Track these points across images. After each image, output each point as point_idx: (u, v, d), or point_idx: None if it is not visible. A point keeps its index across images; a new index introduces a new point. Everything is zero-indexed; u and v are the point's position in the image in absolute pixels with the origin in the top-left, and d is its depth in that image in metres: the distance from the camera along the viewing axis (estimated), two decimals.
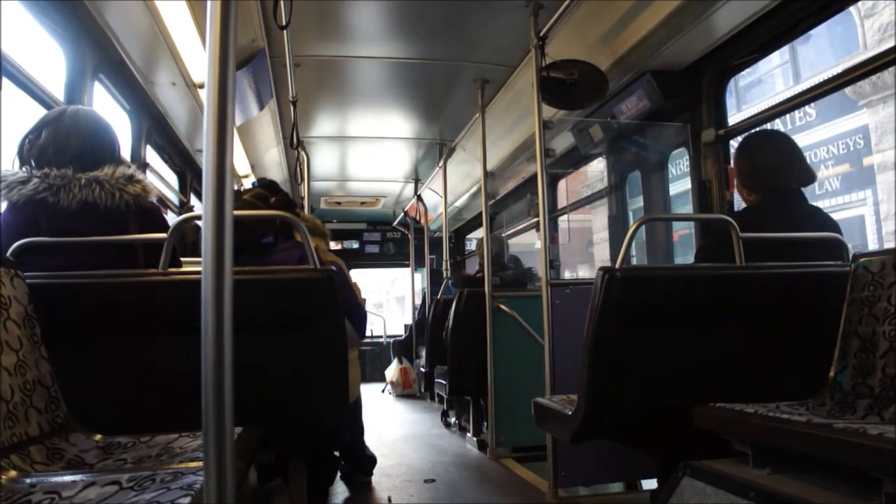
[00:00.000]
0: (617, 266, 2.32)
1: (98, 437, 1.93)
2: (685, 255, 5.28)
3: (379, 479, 4.37)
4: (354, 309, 3.59)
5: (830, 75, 3.28)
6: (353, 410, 4.21)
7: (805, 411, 2.12)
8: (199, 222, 2.68)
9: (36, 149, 2.29)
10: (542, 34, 3.83)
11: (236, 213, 2.82)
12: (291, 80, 4.66)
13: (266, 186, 3.67)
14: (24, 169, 2.23)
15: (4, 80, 2.73)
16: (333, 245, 11.06)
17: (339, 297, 2.23)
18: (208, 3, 1.02)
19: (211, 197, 0.96)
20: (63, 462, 1.77)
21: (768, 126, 3.70)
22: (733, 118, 4.07)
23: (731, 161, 3.04)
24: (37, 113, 2.55)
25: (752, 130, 3.42)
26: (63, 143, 2.31)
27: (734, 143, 3.80)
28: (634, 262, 5.05)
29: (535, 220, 7.04)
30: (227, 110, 0.97)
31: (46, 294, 1.97)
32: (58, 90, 3.24)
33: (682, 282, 2.45)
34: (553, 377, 3.61)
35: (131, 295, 2.11)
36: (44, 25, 3.14)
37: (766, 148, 2.94)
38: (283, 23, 3.32)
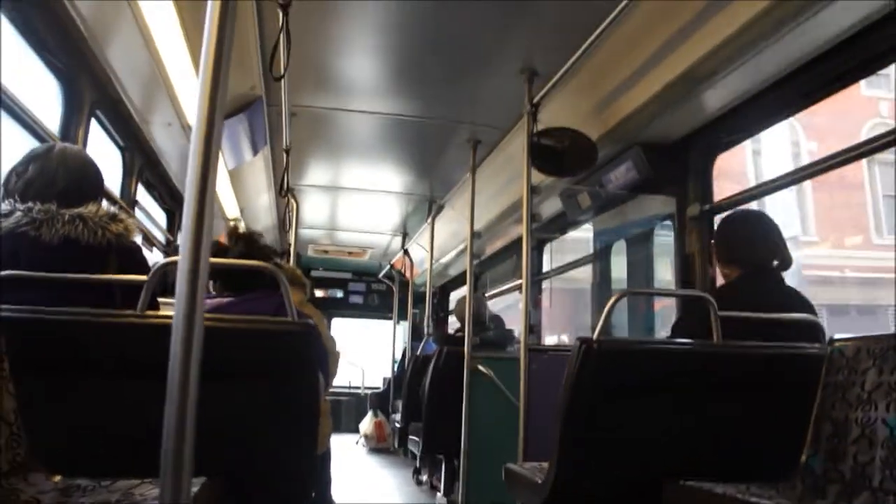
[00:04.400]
0: (595, 337, 2.32)
1: (58, 478, 1.88)
2: (667, 326, 5.29)
3: None
4: (322, 362, 3.54)
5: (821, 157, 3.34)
6: (323, 461, 4.15)
7: (775, 494, 2.10)
8: None
9: (22, 182, 2.29)
10: (535, 101, 3.90)
11: (217, 260, 2.83)
12: (286, 129, 4.70)
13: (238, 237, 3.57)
14: (7, 202, 2.23)
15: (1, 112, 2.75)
16: (318, 293, 11.03)
17: (315, 350, 2.22)
18: (203, 44, 1.04)
19: (189, 244, 0.96)
20: (18, 503, 1.73)
21: (753, 205, 3.76)
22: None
23: (714, 244, 3.08)
24: (28, 146, 2.55)
25: (735, 209, 3.46)
26: (50, 179, 2.32)
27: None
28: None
29: (519, 282, 7.06)
30: (212, 156, 0.98)
31: (18, 328, 1.94)
32: (53, 125, 3.26)
33: (660, 356, 2.45)
34: (526, 443, 3.58)
35: (105, 335, 2.08)
36: (43, 60, 3.17)
37: (745, 226, 3.00)
38: (280, 73, 3.36)
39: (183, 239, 0.99)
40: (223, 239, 3.29)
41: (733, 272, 2.94)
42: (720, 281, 3.34)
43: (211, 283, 3.12)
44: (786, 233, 2.98)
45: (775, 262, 2.88)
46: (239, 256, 3.15)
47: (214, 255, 2.94)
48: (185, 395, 0.96)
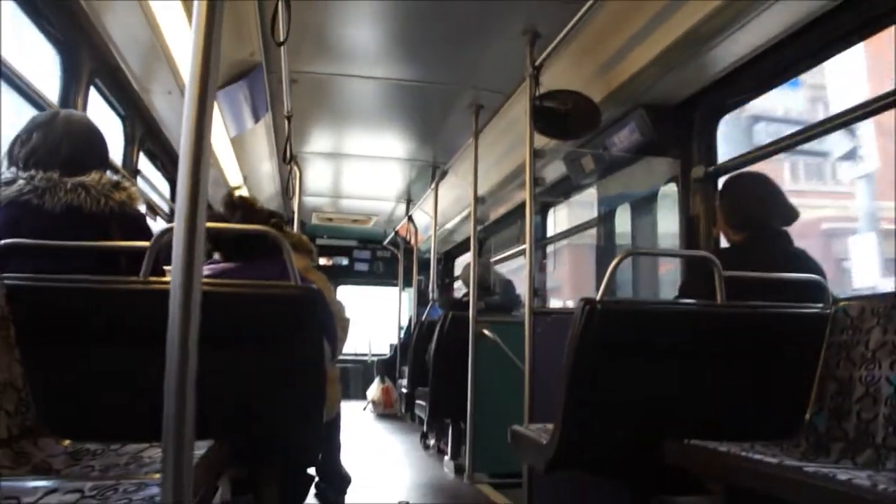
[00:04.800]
0: (598, 297, 2.32)
1: (67, 442, 1.91)
2: (673, 288, 5.29)
3: (353, 498, 4.33)
4: (329, 330, 3.53)
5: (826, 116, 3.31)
6: (332, 428, 4.18)
7: (779, 452, 2.12)
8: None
9: (26, 150, 2.28)
10: (537, 63, 3.87)
11: (217, 225, 2.82)
12: (287, 96, 4.68)
13: (234, 206, 3.50)
14: (11, 170, 2.22)
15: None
16: (323, 261, 11.05)
17: (318, 315, 2.23)
18: (194, 10, 1.03)
19: (184, 210, 0.96)
20: (29, 466, 1.75)
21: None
22: None
23: (718, 205, 3.06)
24: (27, 115, 2.53)
25: (737, 171, 3.43)
26: (54, 147, 2.31)
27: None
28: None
29: (523, 247, 7.07)
30: (206, 121, 0.97)
31: (24, 296, 1.95)
32: (52, 94, 3.24)
33: (663, 316, 2.45)
34: (532, 405, 3.60)
35: (110, 302, 2.09)
36: (40, 29, 3.15)
37: (748, 188, 2.98)
38: (281, 39, 3.33)
39: (178, 203, 0.98)
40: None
41: (739, 236, 2.93)
42: (724, 244, 3.34)
43: (216, 254, 3.11)
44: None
45: (779, 223, 2.87)
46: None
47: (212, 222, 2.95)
48: (184, 360, 0.96)
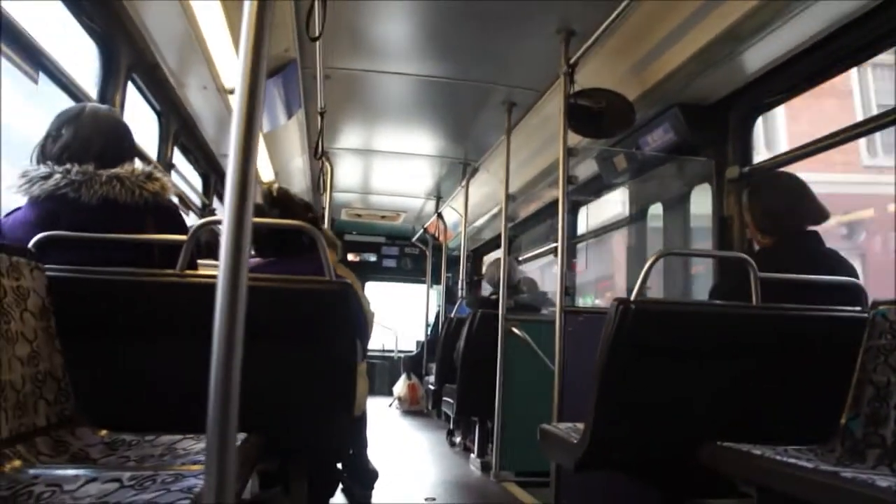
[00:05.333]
0: (632, 298, 2.30)
1: (104, 432, 1.94)
2: (704, 290, 5.24)
3: (379, 494, 4.34)
4: (358, 326, 3.53)
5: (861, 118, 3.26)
6: (359, 424, 4.20)
7: (813, 457, 2.09)
8: (214, 227, 2.70)
9: (59, 146, 2.32)
10: (572, 61, 3.85)
11: (264, 220, 2.85)
12: (320, 92, 4.70)
13: (274, 200, 3.51)
14: (47, 164, 2.26)
15: (41, 74, 2.78)
16: (351, 257, 11.09)
17: (352, 311, 2.24)
18: (245, 8, 1.04)
19: (233, 204, 0.97)
20: (67, 455, 1.78)
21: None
22: None
23: (747, 207, 3.02)
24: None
25: (765, 174, 3.39)
26: (86, 141, 2.33)
27: None
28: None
29: (554, 245, 7.05)
30: (255, 117, 0.98)
31: (65, 288, 1.98)
32: (90, 87, 3.29)
33: (697, 318, 2.43)
34: (561, 404, 3.59)
35: (147, 294, 2.12)
36: (80, 23, 3.19)
37: (776, 190, 2.94)
38: (316, 34, 3.35)
39: (227, 199, 0.99)
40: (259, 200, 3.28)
41: (768, 239, 2.90)
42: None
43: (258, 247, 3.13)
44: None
45: (809, 225, 2.83)
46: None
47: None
48: (230, 354, 0.97)
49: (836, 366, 2.30)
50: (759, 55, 3.55)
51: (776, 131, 7.23)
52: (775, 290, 2.49)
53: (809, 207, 2.84)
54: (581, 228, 6.85)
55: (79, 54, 3.26)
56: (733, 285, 2.67)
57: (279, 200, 3.25)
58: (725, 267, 3.65)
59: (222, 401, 0.95)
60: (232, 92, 4.21)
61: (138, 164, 2.44)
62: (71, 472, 1.46)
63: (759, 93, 3.87)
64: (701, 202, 4.50)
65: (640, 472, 2.60)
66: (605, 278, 8.78)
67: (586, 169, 5.64)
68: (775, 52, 3.51)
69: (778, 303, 2.45)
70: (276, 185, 3.35)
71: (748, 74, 3.79)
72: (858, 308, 2.50)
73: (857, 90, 8.04)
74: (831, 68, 3.45)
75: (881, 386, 2.15)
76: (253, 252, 3.13)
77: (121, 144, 2.45)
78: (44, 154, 2.33)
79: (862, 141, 8.67)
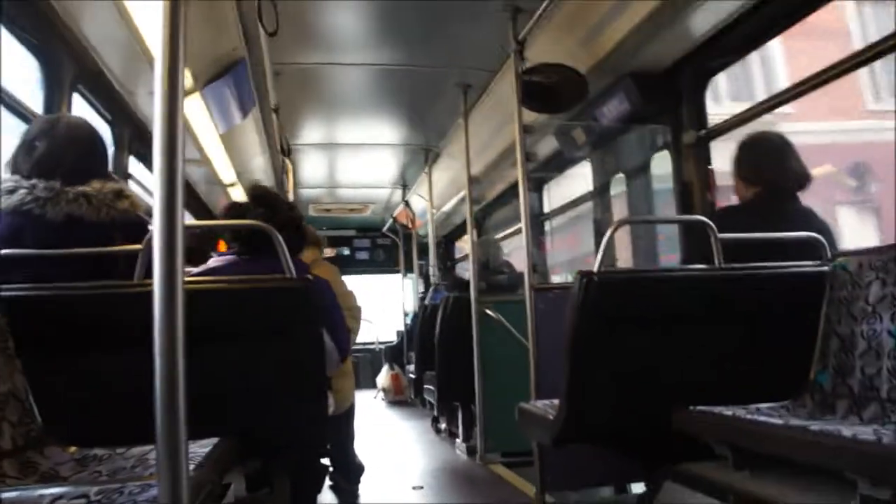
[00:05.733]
0: (595, 269, 2.31)
1: (73, 449, 1.91)
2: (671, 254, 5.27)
3: (368, 486, 4.35)
4: (337, 326, 3.47)
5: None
6: (346, 419, 4.20)
7: (785, 413, 2.12)
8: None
9: (29, 160, 2.28)
10: (520, 38, 3.84)
11: (199, 223, 2.80)
12: (271, 89, 4.66)
13: (259, 199, 3.45)
14: (14, 177, 2.22)
15: None
16: (328, 252, 11.05)
17: (314, 306, 2.22)
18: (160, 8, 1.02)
19: (162, 210, 0.95)
20: (37, 475, 1.75)
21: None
22: None
23: (734, 160, 3.06)
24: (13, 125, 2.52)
25: (756, 131, 3.41)
26: (58, 156, 2.30)
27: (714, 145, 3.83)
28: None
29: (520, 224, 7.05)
30: (177, 119, 0.97)
31: (20, 306, 1.95)
32: (34, 102, 3.22)
33: (661, 284, 2.44)
34: (538, 382, 3.60)
35: (106, 306, 2.09)
36: (16, 36, 3.12)
37: (767, 145, 3.01)
38: (272, 30, 3.30)
39: (156, 205, 0.98)
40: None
41: (752, 191, 2.94)
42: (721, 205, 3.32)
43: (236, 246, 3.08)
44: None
45: (794, 182, 2.88)
46: (260, 219, 3.07)
47: (233, 216, 2.93)
48: (171, 360, 0.96)
49: (801, 321, 2.32)
50: (705, 19, 3.57)
51: (776, 72, 7.11)
52: (744, 249, 2.51)
53: (794, 167, 2.91)
54: (547, 206, 6.86)
55: (18, 69, 3.19)
56: (700, 250, 2.69)
57: (263, 199, 3.20)
58: (690, 233, 3.67)
59: (168, 407, 0.94)
60: (185, 94, 4.17)
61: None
62: (37, 492, 1.43)
63: (707, 56, 3.88)
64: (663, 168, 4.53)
65: (618, 442, 2.62)
66: (590, 254, 8.74)
67: (548, 146, 5.66)
68: (719, 16, 3.53)
69: (746, 260, 2.47)
70: (259, 185, 3.31)
71: (696, 39, 3.80)
72: (819, 262, 2.52)
73: (857, 29, 7.32)
74: (778, 26, 3.47)
75: (846, 337, 2.17)
76: (234, 249, 3.09)
77: (93, 159, 2.42)
78: (15, 165, 2.29)
79: (867, 85, 8.14)
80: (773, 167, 2.91)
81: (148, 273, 2.15)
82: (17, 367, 1.89)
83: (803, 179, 2.91)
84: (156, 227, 0.95)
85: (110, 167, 4.23)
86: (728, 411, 2.06)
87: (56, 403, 1.96)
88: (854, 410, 2.06)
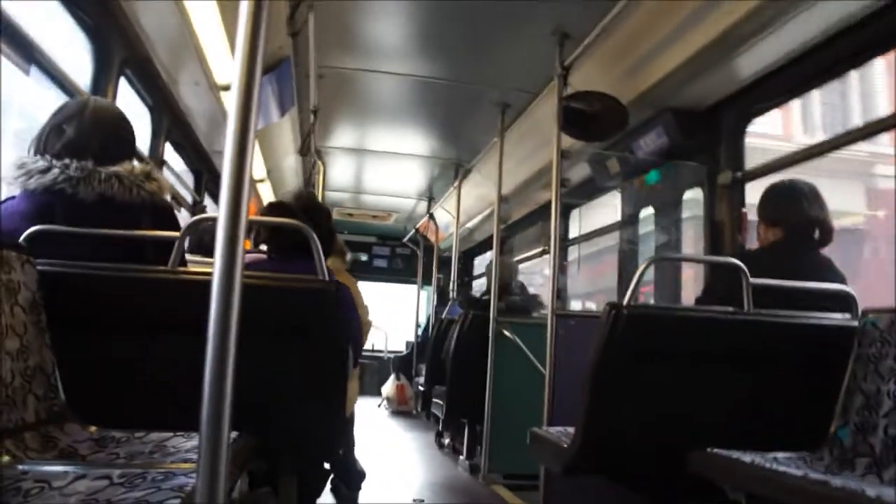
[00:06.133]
0: (624, 303, 2.30)
1: (93, 428, 1.92)
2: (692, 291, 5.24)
3: (367, 495, 4.34)
4: (354, 333, 3.51)
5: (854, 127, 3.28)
6: (347, 424, 4.20)
7: (803, 464, 2.10)
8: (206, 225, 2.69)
9: (59, 141, 2.30)
10: (566, 64, 3.86)
11: (260, 218, 2.83)
12: (314, 90, 4.69)
13: (305, 204, 3.44)
14: (46, 158, 2.24)
15: (32, 68, 2.76)
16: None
17: (341, 310, 2.23)
18: (241, 4, 1.03)
19: (228, 201, 0.96)
20: (56, 451, 1.76)
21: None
22: None
23: (759, 202, 3.06)
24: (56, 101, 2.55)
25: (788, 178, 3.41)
26: (86, 138, 2.32)
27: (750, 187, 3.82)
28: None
29: (543, 248, 7.06)
30: (250, 116, 0.98)
31: (56, 282, 1.97)
32: (83, 82, 3.27)
33: (689, 323, 2.43)
34: (551, 408, 3.59)
35: (139, 290, 2.11)
36: (73, 16, 3.17)
37: (793, 190, 2.99)
38: (310, 33, 3.34)
39: (223, 196, 0.99)
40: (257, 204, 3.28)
41: (775, 235, 2.93)
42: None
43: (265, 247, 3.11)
44: None
45: (817, 231, 2.86)
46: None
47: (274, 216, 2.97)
48: (225, 353, 0.96)
49: (826, 373, 2.31)
50: (752, 61, 3.57)
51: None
52: (765, 292, 2.50)
53: (819, 214, 2.89)
54: (573, 232, 6.86)
55: (71, 48, 3.24)
56: (722, 289, 2.69)
57: (309, 205, 3.26)
58: (715, 271, 3.66)
59: (216, 399, 0.94)
60: (224, 89, 4.21)
61: (136, 162, 2.43)
62: (60, 468, 1.44)
63: (751, 98, 3.88)
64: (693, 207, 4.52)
65: (630, 477, 2.60)
66: (602, 282, 8.66)
67: (578, 172, 5.65)
68: (767, 59, 3.53)
69: (769, 304, 2.46)
70: (305, 191, 3.37)
71: (741, 80, 3.80)
72: (849, 316, 2.51)
73: None
74: (823, 75, 3.47)
75: (870, 395, 2.15)
76: (264, 249, 3.12)
77: (121, 141, 2.44)
78: (45, 147, 2.31)
79: None
80: (794, 212, 2.90)
81: (182, 261, 2.19)
82: (45, 341, 1.90)
83: (826, 230, 2.89)
84: (221, 218, 0.96)
85: (146, 153, 4.30)
86: (746, 457, 2.04)
87: (81, 381, 1.97)
88: (874, 470, 2.04)
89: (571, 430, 2.53)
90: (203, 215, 2.40)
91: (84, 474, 1.40)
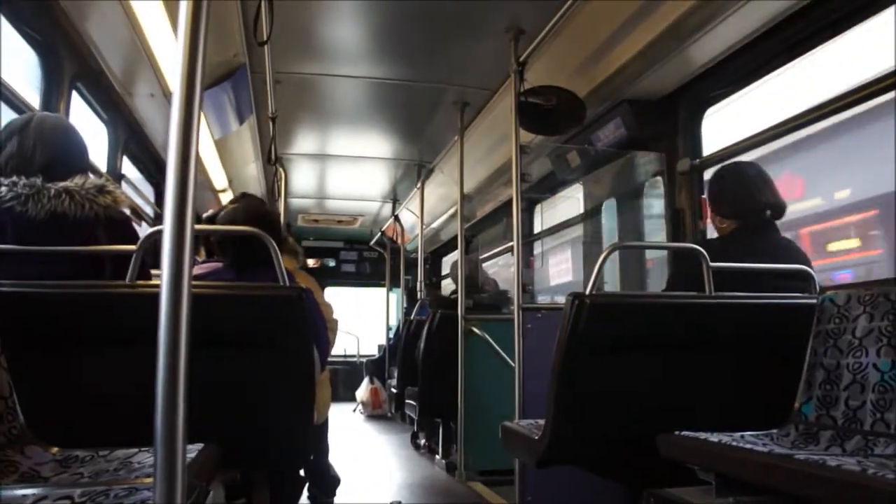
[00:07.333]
0: (586, 292, 2.32)
1: (55, 449, 1.88)
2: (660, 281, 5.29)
3: (345, 499, 4.32)
4: (319, 336, 3.47)
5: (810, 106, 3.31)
6: (321, 431, 4.17)
7: (769, 441, 2.13)
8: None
9: (4, 157, 2.26)
10: (521, 59, 3.87)
11: (208, 227, 2.80)
12: (271, 96, 4.66)
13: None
14: None
15: None
16: (311, 262, 11.01)
17: (306, 316, 2.22)
18: (180, 4, 1.02)
19: (174, 212, 0.95)
20: (17, 475, 1.73)
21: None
22: None
23: (705, 191, 3.07)
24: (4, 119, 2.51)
25: (728, 161, 3.44)
26: (29, 153, 2.27)
27: (709, 174, 3.85)
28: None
29: (511, 244, 7.07)
30: (193, 122, 0.97)
31: (8, 303, 1.93)
32: (33, 98, 3.21)
33: (651, 309, 2.45)
34: (523, 401, 3.60)
35: (96, 307, 2.08)
36: (20, 32, 3.11)
37: (739, 177, 2.97)
38: (263, 38, 3.31)
39: (167, 206, 0.98)
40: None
41: (727, 224, 2.94)
42: (711, 234, 3.34)
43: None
44: None
45: (769, 213, 2.87)
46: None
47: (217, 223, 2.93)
48: (175, 362, 0.95)
49: (788, 351, 2.34)
50: (705, 49, 3.61)
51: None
52: (729, 279, 2.53)
53: (769, 197, 2.88)
54: (538, 226, 6.88)
55: (19, 64, 3.18)
56: (686, 276, 2.70)
57: (255, 214, 3.20)
58: (679, 259, 3.69)
59: (169, 411, 0.93)
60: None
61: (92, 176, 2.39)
62: (18, 491, 1.41)
63: (706, 86, 3.93)
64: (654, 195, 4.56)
65: (602, 465, 2.62)
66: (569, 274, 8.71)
67: (541, 167, 5.68)
68: (720, 46, 3.57)
69: (731, 289, 2.49)
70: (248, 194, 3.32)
71: (695, 69, 3.85)
72: (808, 294, 2.55)
73: None
74: (776, 59, 3.51)
75: (831, 369, 2.20)
76: (217, 258, 3.09)
77: (69, 155, 2.39)
78: None
79: None
80: (745, 201, 2.87)
81: (140, 274, 2.16)
82: (1, 363, 1.87)
83: (779, 209, 2.89)
84: (167, 229, 0.95)
85: (104, 168, 4.25)
86: (713, 437, 2.06)
87: (40, 402, 1.94)
88: (837, 441, 2.07)
89: (542, 422, 2.54)
90: (158, 227, 2.35)
91: (45, 496, 1.38)
